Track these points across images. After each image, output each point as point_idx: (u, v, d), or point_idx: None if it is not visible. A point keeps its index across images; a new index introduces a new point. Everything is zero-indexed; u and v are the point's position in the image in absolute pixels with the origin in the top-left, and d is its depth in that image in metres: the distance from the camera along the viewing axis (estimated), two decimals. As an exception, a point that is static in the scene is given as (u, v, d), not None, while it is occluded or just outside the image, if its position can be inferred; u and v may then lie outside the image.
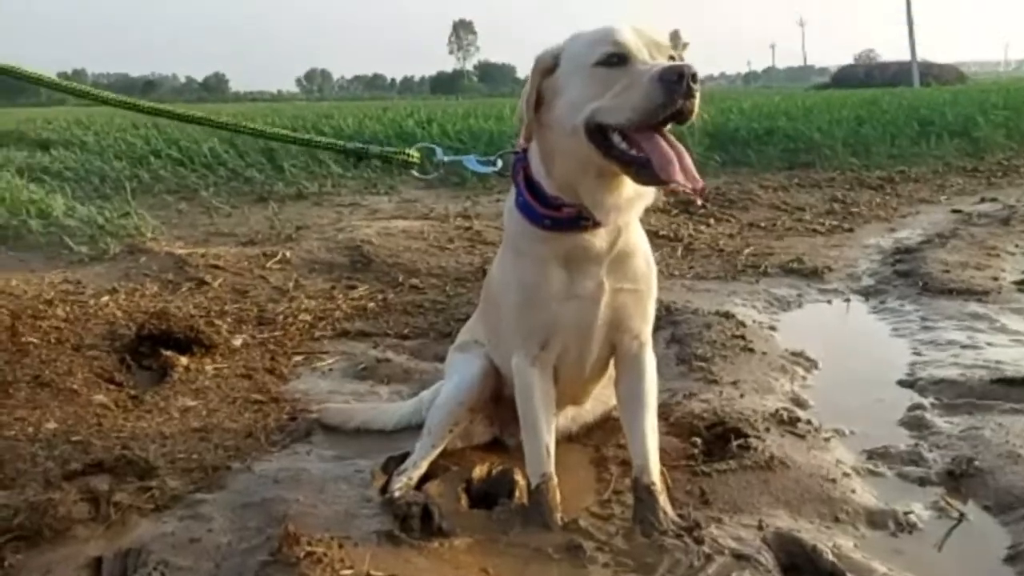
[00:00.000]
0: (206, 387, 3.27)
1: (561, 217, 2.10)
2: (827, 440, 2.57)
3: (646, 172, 1.86)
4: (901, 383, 3.13)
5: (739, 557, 1.94)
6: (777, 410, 2.70)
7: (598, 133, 1.91)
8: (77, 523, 2.21)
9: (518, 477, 2.34)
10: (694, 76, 1.77)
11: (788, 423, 2.62)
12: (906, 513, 2.15)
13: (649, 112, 1.81)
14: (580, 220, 2.10)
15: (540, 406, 2.24)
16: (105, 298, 4.28)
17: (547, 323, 2.21)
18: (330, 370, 3.50)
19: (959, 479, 2.31)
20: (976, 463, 2.34)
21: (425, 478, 2.36)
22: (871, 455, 2.50)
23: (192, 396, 3.19)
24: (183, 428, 2.87)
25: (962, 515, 2.16)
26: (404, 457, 2.44)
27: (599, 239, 2.15)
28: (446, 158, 2.54)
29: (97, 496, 2.31)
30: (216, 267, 4.85)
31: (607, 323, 2.22)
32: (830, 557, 1.93)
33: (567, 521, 2.12)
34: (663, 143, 1.85)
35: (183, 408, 3.06)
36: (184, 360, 3.47)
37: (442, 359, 3.37)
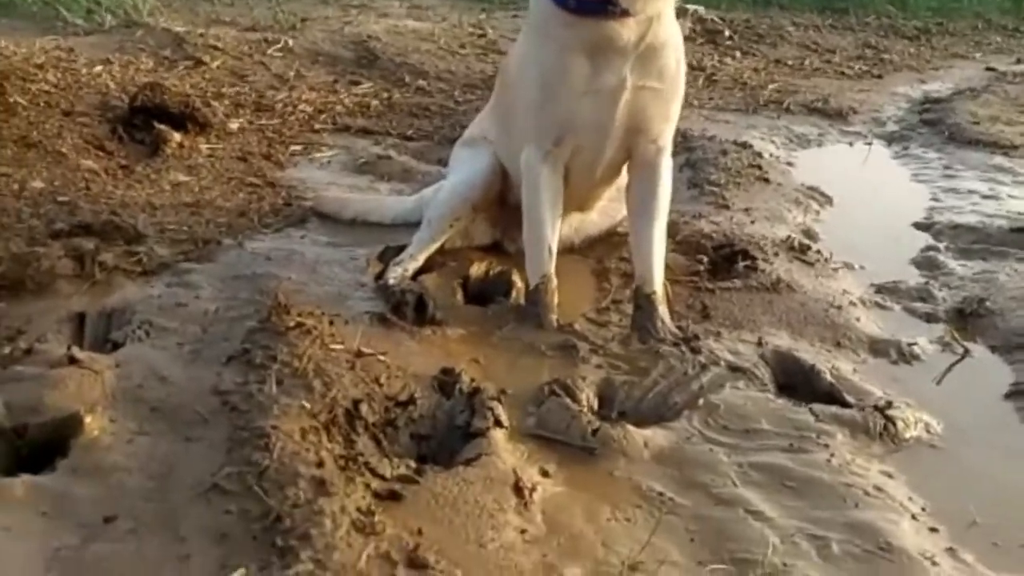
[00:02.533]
0: (199, 165, 3.15)
1: None
2: (836, 270, 2.50)
3: None
4: (917, 225, 3.03)
5: (735, 369, 1.90)
6: (788, 237, 2.61)
7: None
8: (61, 278, 2.15)
9: (516, 279, 2.28)
10: None
11: (798, 250, 2.54)
12: (910, 344, 2.10)
13: None
14: (607, 4, 1.94)
15: (547, 204, 2.14)
16: (98, 68, 4.08)
17: (563, 117, 2.08)
18: (328, 162, 3.37)
19: (967, 317, 2.26)
20: (987, 304, 2.28)
21: (421, 272, 2.29)
22: (879, 288, 2.43)
23: (185, 172, 3.07)
24: (174, 201, 2.78)
25: (966, 351, 2.11)
26: (402, 248, 2.36)
27: (627, 29, 1.99)
28: None
29: (82, 254, 2.24)
30: (215, 48, 4.61)
31: (625, 123, 2.09)
32: (828, 378, 1.89)
33: (563, 323, 2.07)
34: None
35: (175, 182, 2.96)
36: (178, 136, 3.32)
37: (446, 163, 3.25)
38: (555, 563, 1.29)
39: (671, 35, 2.07)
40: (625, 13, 1.95)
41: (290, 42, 4.85)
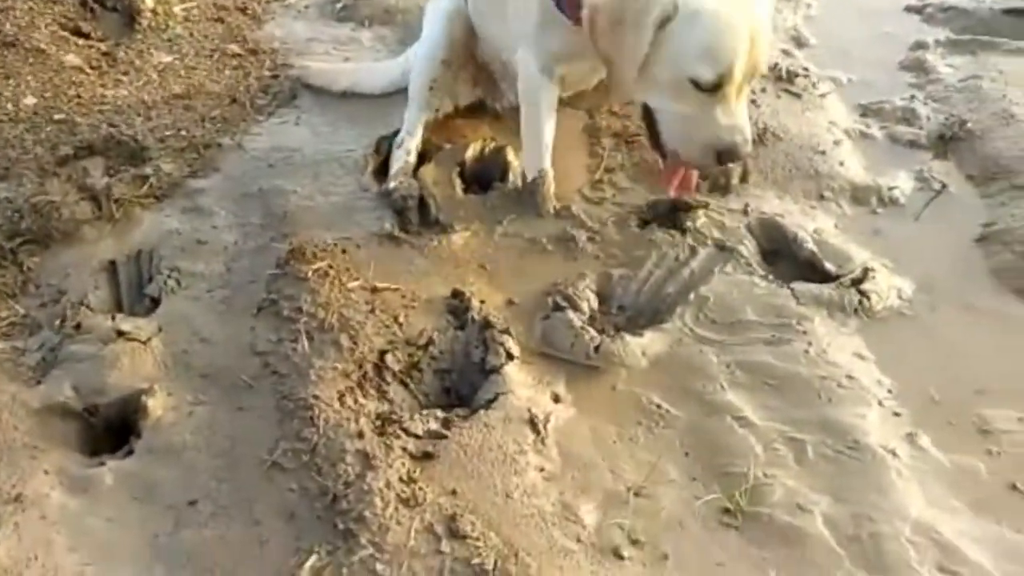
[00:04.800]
0: (178, 36, 3.12)
1: None
2: (823, 97, 2.54)
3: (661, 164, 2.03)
4: (909, 8, 2.99)
5: (722, 248, 2.03)
6: (776, 64, 2.60)
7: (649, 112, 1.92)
8: (83, 223, 2.26)
9: (511, 157, 2.36)
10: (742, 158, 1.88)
11: (786, 79, 2.56)
12: (890, 188, 2.21)
13: (690, 160, 1.91)
14: None
15: (544, 107, 2.20)
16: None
17: (564, 49, 2.10)
18: (306, 8, 3.30)
19: (948, 143, 2.33)
20: (968, 125, 2.34)
21: (420, 160, 2.37)
22: (866, 111, 2.49)
23: (166, 49, 3.05)
24: (165, 95, 2.80)
25: (943, 186, 2.22)
26: (395, 134, 2.43)
27: None
28: None
29: (96, 194, 2.34)
30: None
31: None
32: (809, 246, 2.03)
33: (559, 208, 2.18)
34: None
35: (159, 67, 2.95)
36: (150, 1, 3.26)
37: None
38: (570, 501, 1.52)
39: None
40: None
41: None
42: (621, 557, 1.44)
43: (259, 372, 1.77)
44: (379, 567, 1.37)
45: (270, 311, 1.90)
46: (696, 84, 1.78)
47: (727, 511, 1.51)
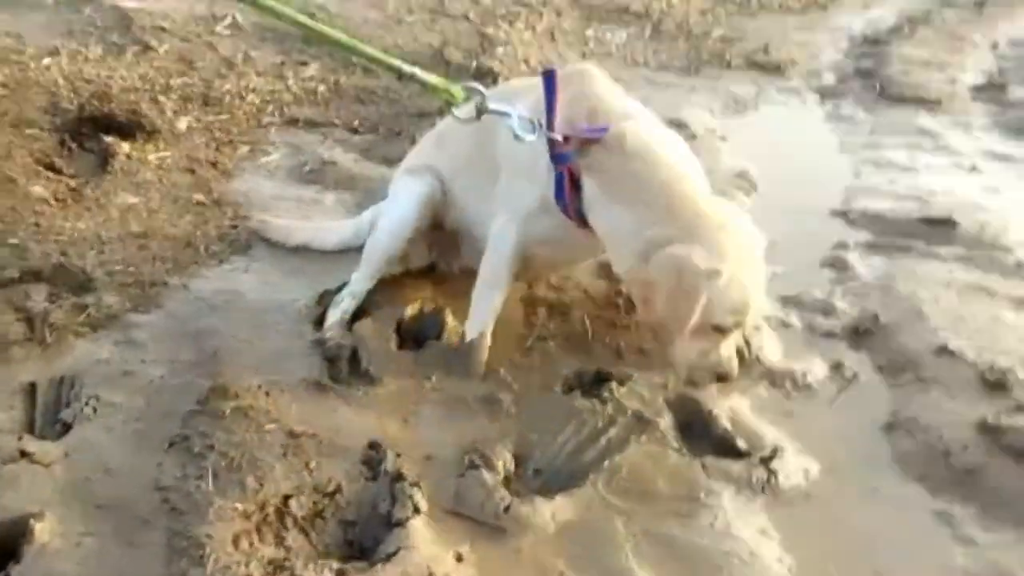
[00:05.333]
0: (148, 181, 3.23)
1: None
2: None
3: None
4: (834, 213, 3.20)
5: (640, 419, 2.08)
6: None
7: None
8: (13, 343, 2.28)
9: (448, 318, 2.42)
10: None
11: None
12: (804, 374, 2.29)
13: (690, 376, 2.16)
14: None
15: (505, 280, 2.32)
16: (47, 60, 4.08)
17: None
18: (277, 168, 3.45)
19: (861, 335, 2.45)
20: (881, 320, 2.47)
21: (359, 314, 2.43)
22: (787, 301, 2.60)
23: (133, 191, 3.15)
24: (122, 232, 2.87)
25: (855, 375, 2.31)
26: (340, 288, 2.50)
27: None
28: (491, 105, 2.18)
29: (32, 316, 2.37)
30: (163, 29, 4.60)
31: None
32: (724, 423, 2.09)
33: (488, 371, 2.24)
34: None
35: (123, 207, 3.04)
36: (126, 147, 3.40)
37: (389, 161, 3.36)
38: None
39: None
40: None
41: (239, 17, 4.81)
42: None
43: (158, 507, 1.76)
44: None
45: (182, 447, 1.90)
46: (716, 328, 2.02)
47: None
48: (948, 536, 1.85)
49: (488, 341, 2.27)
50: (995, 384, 2.22)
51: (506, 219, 2.29)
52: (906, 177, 3.43)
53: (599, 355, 2.32)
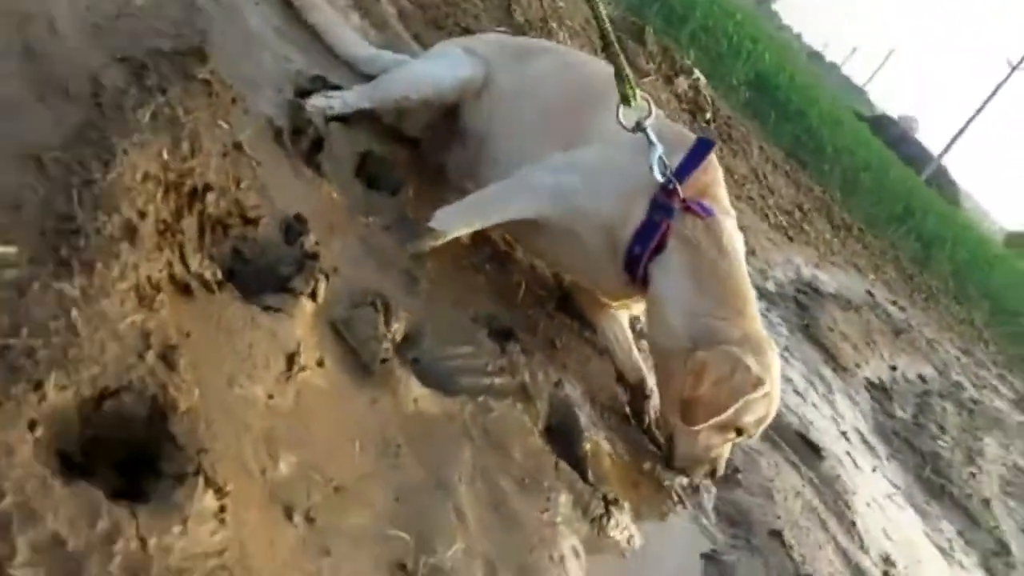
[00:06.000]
0: None
1: None
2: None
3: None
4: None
5: (524, 391, 1.97)
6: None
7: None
8: None
9: (410, 192, 2.24)
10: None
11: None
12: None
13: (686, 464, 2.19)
14: None
15: (510, 214, 2.17)
16: None
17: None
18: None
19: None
20: (740, 478, 2.49)
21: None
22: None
23: None
24: None
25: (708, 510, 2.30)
26: (334, 88, 2.30)
27: None
28: (647, 126, 2.11)
29: None
30: None
31: None
32: (585, 448, 2.01)
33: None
34: None
35: None
36: None
37: (421, 41, 3.19)
38: (279, 438, 1.30)
39: None
40: None
41: None
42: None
43: (86, 94, 1.46)
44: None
45: (135, 69, 1.58)
46: (737, 428, 2.09)
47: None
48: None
49: (441, 243, 2.11)
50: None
51: (563, 169, 2.15)
52: (796, 398, 3.55)
53: (517, 320, 2.21)
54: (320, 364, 1.53)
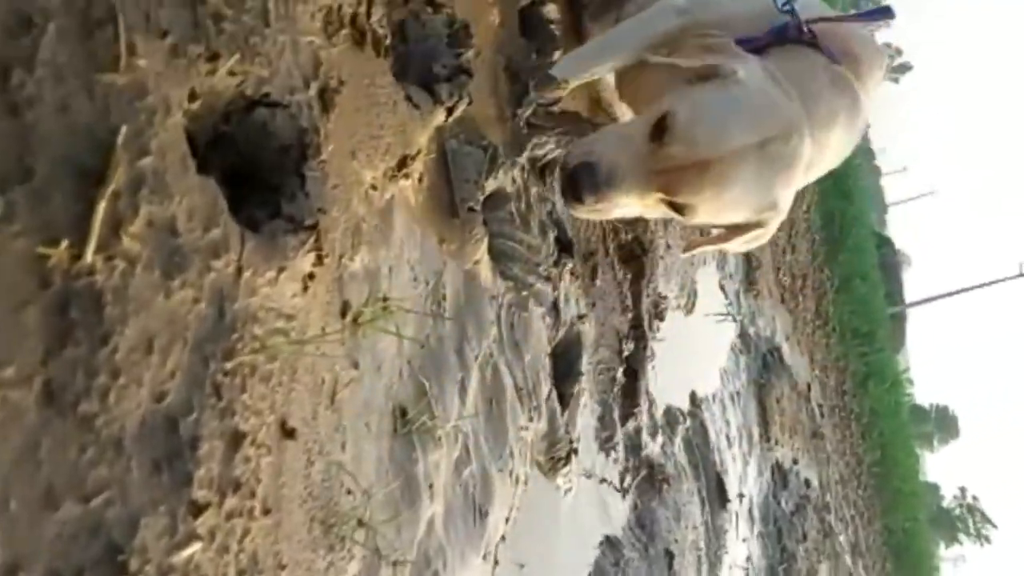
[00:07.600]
0: None
1: None
2: None
3: None
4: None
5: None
6: None
7: None
8: None
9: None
10: None
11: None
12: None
13: None
14: None
15: (636, 47, 1.83)
16: None
17: None
18: None
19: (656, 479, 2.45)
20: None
21: None
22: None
23: None
24: None
25: (626, 488, 2.29)
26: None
27: None
28: None
29: None
30: None
31: None
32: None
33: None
34: None
35: None
36: None
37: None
38: (363, 231, 1.20)
39: None
40: None
41: None
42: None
43: None
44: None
45: None
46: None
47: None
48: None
49: (566, 92, 1.93)
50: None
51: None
52: (726, 442, 3.58)
53: (579, 242, 2.12)
54: (420, 181, 1.43)
